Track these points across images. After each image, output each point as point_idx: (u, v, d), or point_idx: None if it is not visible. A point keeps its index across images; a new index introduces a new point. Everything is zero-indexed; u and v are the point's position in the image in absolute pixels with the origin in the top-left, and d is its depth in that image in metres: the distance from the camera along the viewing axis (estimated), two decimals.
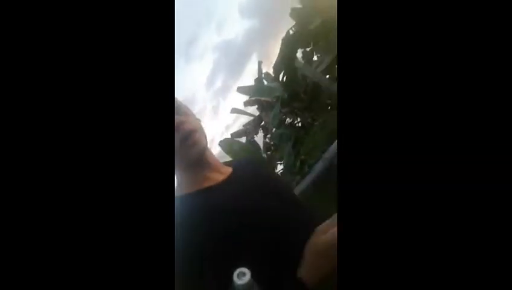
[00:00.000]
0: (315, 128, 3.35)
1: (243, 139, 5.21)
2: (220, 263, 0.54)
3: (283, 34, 4.46)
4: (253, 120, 4.93)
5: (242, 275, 0.46)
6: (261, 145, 5.16)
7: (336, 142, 2.75)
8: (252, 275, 0.46)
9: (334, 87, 2.87)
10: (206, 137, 0.71)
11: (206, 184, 0.68)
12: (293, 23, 4.47)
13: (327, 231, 0.49)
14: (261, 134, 5.34)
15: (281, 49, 4.01)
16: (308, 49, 4.05)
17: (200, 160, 0.69)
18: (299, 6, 4.41)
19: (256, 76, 5.38)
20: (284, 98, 3.96)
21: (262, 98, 4.46)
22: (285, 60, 3.91)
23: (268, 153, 5.00)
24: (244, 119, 5.85)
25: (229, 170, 0.74)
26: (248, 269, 0.47)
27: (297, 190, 2.80)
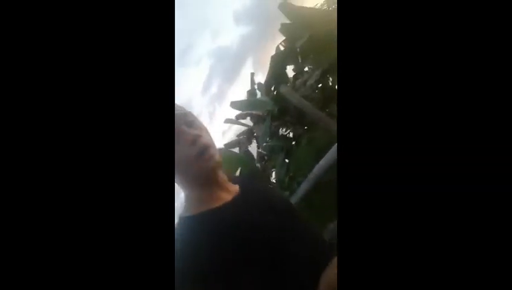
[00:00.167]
0: (303, 145, 3.45)
1: (237, 149, 5.33)
2: (230, 285, 0.54)
3: (277, 41, 4.56)
4: (246, 132, 5.03)
5: None
6: (255, 155, 5.28)
7: (322, 160, 2.86)
8: None
9: (316, 111, 2.98)
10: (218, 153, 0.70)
11: (216, 204, 0.67)
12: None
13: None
14: (254, 144, 5.46)
15: (270, 65, 4.11)
16: (296, 65, 4.15)
17: (213, 176, 0.68)
18: (288, 21, 4.50)
19: (249, 88, 5.50)
20: (275, 113, 4.06)
21: (254, 112, 4.56)
22: (275, 76, 4.01)
23: (262, 163, 5.13)
24: (240, 127, 5.97)
25: (236, 188, 0.73)
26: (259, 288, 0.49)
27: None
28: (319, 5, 4.62)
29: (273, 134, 4.46)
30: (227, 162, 4.90)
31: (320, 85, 4.23)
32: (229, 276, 0.55)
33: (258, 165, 5.02)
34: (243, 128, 5.45)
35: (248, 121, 5.33)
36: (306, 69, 4.61)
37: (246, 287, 0.53)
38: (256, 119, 4.73)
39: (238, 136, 5.72)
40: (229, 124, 5.43)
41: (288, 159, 4.21)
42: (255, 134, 4.79)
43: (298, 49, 3.86)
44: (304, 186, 2.81)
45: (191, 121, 0.68)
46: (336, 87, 4.28)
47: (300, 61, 3.94)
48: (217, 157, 0.68)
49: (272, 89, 4.17)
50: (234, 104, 5.25)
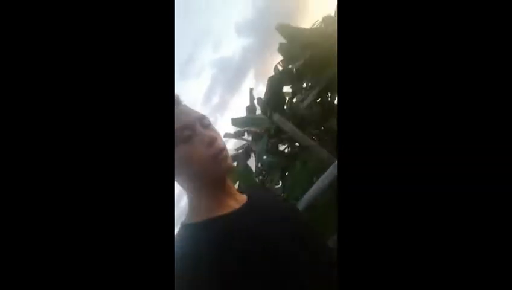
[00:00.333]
0: (298, 167, 3.57)
1: (235, 163, 5.45)
2: None
3: (278, 54, 4.66)
4: (245, 147, 5.15)
5: None
6: (254, 169, 5.40)
7: (316, 184, 2.97)
8: None
9: (307, 139, 3.09)
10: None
11: (224, 211, 0.67)
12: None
13: None
14: (253, 158, 5.58)
15: (267, 86, 4.23)
16: (293, 85, 4.28)
17: (223, 182, 0.69)
18: (285, 42, 4.62)
19: (248, 103, 5.63)
20: (271, 131, 4.18)
21: (252, 129, 4.68)
22: (272, 97, 4.13)
23: (260, 177, 5.25)
24: (240, 140, 6.09)
25: (244, 198, 0.73)
26: None
27: None
28: (316, 25, 4.75)
29: (271, 150, 4.57)
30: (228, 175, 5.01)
31: (319, 100, 4.35)
32: (233, 285, 0.55)
33: (257, 179, 5.14)
34: (242, 142, 5.57)
35: (247, 135, 5.47)
36: (304, 85, 4.74)
37: None
38: (255, 136, 4.85)
39: (236, 150, 5.85)
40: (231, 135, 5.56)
41: (284, 177, 4.33)
42: (253, 150, 4.90)
43: (294, 71, 3.98)
44: (299, 206, 2.93)
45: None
46: (335, 102, 4.40)
47: (297, 81, 4.06)
48: (231, 160, 0.69)
49: (269, 109, 4.29)
50: (234, 121, 5.41)
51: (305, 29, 4.57)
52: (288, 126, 2.92)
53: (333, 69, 4.37)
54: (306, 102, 4.21)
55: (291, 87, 4.54)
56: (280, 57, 4.58)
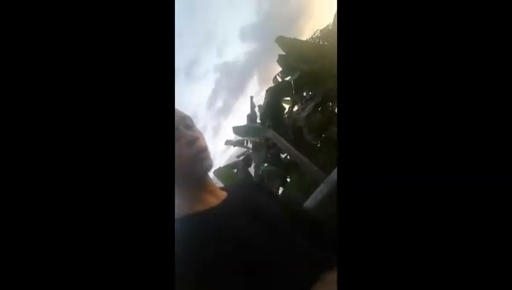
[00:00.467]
0: (293, 180, 3.68)
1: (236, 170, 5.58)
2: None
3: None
4: (245, 157, 5.28)
5: None
6: (254, 176, 5.52)
7: (311, 197, 3.08)
8: None
9: (301, 156, 3.21)
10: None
11: (202, 207, 0.69)
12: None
13: (334, 282, 0.44)
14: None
15: (266, 97, 4.36)
16: (291, 97, 4.40)
17: (203, 180, 0.71)
18: (283, 53, 4.74)
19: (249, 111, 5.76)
20: (270, 142, 4.31)
21: (251, 139, 4.81)
22: (270, 108, 4.26)
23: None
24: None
25: (224, 194, 0.75)
26: None
27: None
28: (315, 35, 4.86)
29: (271, 160, 4.70)
30: (228, 181, 5.17)
31: (319, 109, 4.46)
32: (205, 280, 0.56)
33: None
34: (244, 149, 5.70)
35: (248, 143, 5.60)
36: (304, 94, 4.85)
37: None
38: (255, 144, 4.98)
39: (238, 156, 5.98)
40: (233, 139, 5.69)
41: (285, 184, 4.45)
42: (253, 159, 5.03)
43: (292, 83, 4.10)
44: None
45: (189, 125, 0.72)
46: (335, 111, 4.50)
47: (295, 93, 4.18)
48: (211, 160, 0.71)
49: (268, 120, 4.42)
50: (235, 130, 5.55)
51: (303, 42, 4.69)
52: (282, 143, 3.03)
53: (332, 80, 4.48)
54: (305, 112, 4.33)
55: (290, 98, 4.66)
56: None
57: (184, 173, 0.67)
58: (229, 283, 0.57)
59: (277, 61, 4.84)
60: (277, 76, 4.78)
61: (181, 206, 0.69)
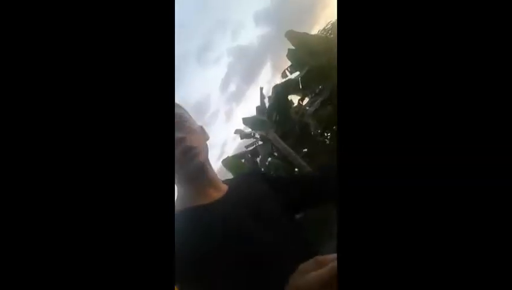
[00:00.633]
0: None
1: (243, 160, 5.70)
2: (198, 285, 0.56)
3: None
4: (252, 148, 5.40)
5: None
6: (260, 167, 5.62)
7: None
8: None
9: (298, 159, 3.27)
10: (206, 152, 0.73)
11: (201, 201, 0.70)
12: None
13: (308, 271, 0.44)
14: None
15: (273, 93, 4.41)
16: (297, 94, 4.43)
17: (199, 175, 0.71)
18: (293, 47, 4.72)
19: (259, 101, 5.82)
20: (276, 136, 4.39)
21: (258, 133, 4.91)
22: (277, 105, 4.32)
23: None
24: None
25: (226, 188, 0.75)
26: None
27: None
28: (327, 28, 4.81)
29: (277, 154, 4.79)
30: (236, 170, 5.31)
31: (328, 104, 4.49)
32: (205, 274, 0.57)
33: None
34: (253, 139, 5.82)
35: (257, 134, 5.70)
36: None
37: (220, 287, 0.56)
38: (261, 138, 5.07)
39: (246, 146, 6.09)
40: (244, 126, 5.80)
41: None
42: (260, 152, 5.14)
43: (300, 80, 4.13)
44: None
45: (178, 123, 0.71)
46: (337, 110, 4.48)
47: (301, 90, 4.21)
48: (202, 156, 0.70)
49: (275, 114, 4.48)
50: (245, 121, 5.66)
51: (313, 36, 4.66)
52: (281, 144, 3.11)
53: (334, 80, 4.40)
54: (312, 108, 4.37)
55: (297, 94, 4.69)
56: None
57: (177, 170, 0.68)
58: (231, 276, 0.58)
59: (286, 55, 4.85)
60: (286, 70, 4.79)
61: (184, 199, 0.71)
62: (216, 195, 0.71)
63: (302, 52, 4.50)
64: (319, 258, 0.44)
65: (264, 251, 0.62)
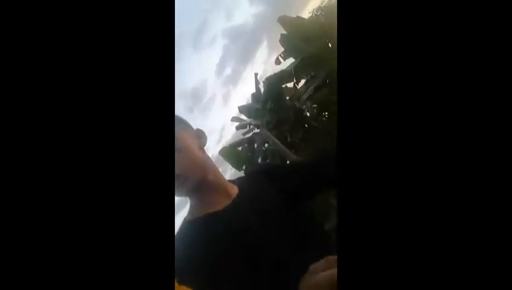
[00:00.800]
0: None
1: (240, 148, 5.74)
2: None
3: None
4: (247, 138, 5.40)
5: None
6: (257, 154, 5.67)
7: None
8: None
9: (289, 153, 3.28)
10: (203, 164, 0.71)
11: (213, 209, 0.69)
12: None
13: (318, 271, 0.44)
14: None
15: (266, 84, 4.39)
16: (291, 83, 4.41)
17: (200, 187, 0.70)
18: (285, 32, 4.65)
19: (254, 89, 5.78)
20: (270, 126, 4.40)
21: (253, 123, 4.91)
22: (270, 95, 4.30)
23: (265, 162, 5.50)
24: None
25: (235, 191, 0.74)
26: None
27: None
28: (319, 14, 4.73)
29: (272, 142, 4.81)
30: (234, 159, 5.36)
31: (318, 91, 4.48)
32: (220, 280, 0.57)
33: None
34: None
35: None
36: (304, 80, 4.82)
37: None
38: (257, 125, 5.08)
39: (243, 134, 6.11)
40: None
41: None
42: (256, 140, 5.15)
43: (292, 70, 4.09)
44: None
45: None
46: (336, 93, 4.50)
47: (294, 80, 4.19)
48: (189, 183, 0.68)
49: (269, 103, 4.47)
50: (241, 109, 5.67)
51: (305, 21, 4.58)
52: (272, 139, 3.12)
53: (333, 61, 4.42)
54: (306, 95, 4.35)
55: (290, 83, 4.66)
56: None
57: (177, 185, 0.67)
58: (244, 278, 0.59)
59: (279, 41, 4.78)
60: (279, 57, 4.74)
61: (196, 208, 0.71)
62: (226, 201, 0.71)
63: (295, 37, 4.44)
64: (330, 258, 0.44)
65: (276, 253, 0.62)
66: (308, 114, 4.33)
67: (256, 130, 5.39)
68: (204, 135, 0.76)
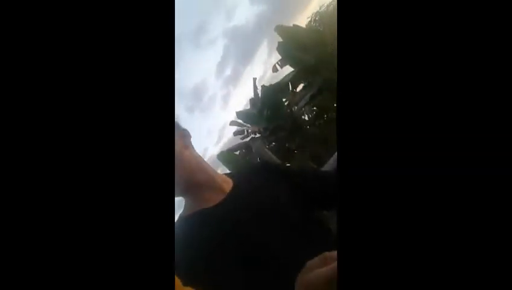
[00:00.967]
0: None
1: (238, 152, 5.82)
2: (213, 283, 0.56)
3: (291, 22, 4.69)
4: (246, 142, 5.49)
5: None
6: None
7: None
8: None
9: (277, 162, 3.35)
10: (193, 167, 0.71)
11: (208, 205, 0.69)
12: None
13: (316, 268, 0.44)
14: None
15: (262, 93, 4.48)
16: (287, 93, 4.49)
17: (189, 187, 0.70)
18: (281, 40, 4.73)
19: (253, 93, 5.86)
20: (267, 132, 4.48)
21: (250, 129, 4.99)
22: (267, 102, 4.38)
23: None
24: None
25: (230, 185, 0.74)
26: None
27: None
28: (315, 22, 4.82)
29: (270, 145, 4.89)
30: (231, 164, 5.43)
31: (315, 99, 4.56)
32: (212, 275, 0.58)
33: None
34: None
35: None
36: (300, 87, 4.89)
37: (230, 285, 0.57)
38: (254, 131, 5.16)
39: (241, 138, 6.19)
40: (243, 108, 5.86)
41: None
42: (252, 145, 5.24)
43: (289, 83, 4.18)
44: None
45: None
46: (333, 100, 4.58)
47: (290, 90, 4.28)
48: (180, 180, 0.68)
49: (265, 111, 4.56)
50: (239, 114, 5.75)
51: (302, 29, 4.67)
52: (267, 153, 3.18)
53: (329, 70, 4.50)
54: (303, 102, 4.44)
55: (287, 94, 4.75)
56: None
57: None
58: (241, 274, 0.59)
59: (276, 49, 4.86)
60: (276, 64, 4.82)
61: (189, 206, 0.72)
62: (220, 197, 0.71)
63: (292, 46, 4.53)
64: (327, 254, 0.44)
65: (271, 249, 0.63)
66: (306, 118, 4.41)
67: (254, 136, 5.49)
68: (188, 134, 0.76)
